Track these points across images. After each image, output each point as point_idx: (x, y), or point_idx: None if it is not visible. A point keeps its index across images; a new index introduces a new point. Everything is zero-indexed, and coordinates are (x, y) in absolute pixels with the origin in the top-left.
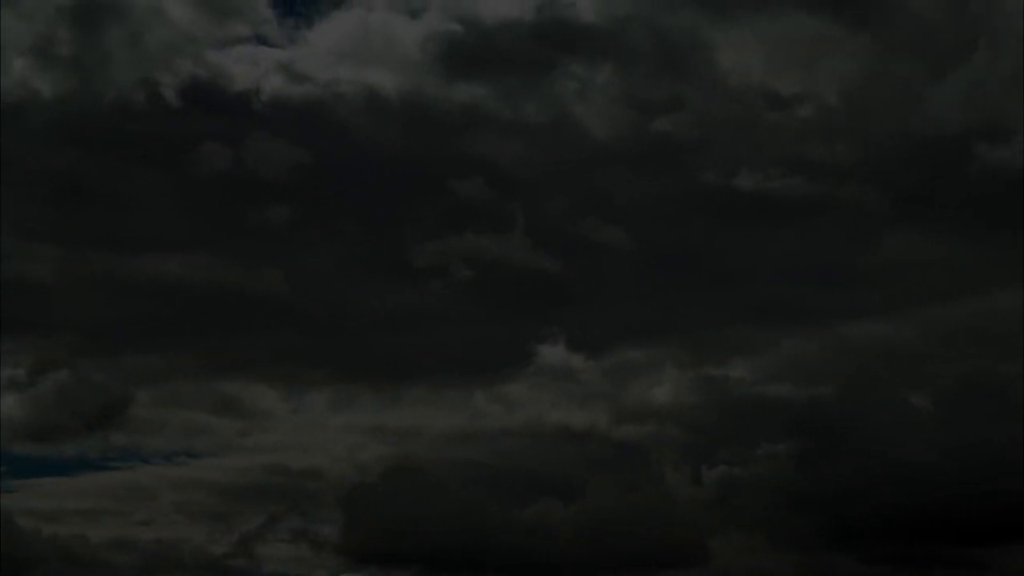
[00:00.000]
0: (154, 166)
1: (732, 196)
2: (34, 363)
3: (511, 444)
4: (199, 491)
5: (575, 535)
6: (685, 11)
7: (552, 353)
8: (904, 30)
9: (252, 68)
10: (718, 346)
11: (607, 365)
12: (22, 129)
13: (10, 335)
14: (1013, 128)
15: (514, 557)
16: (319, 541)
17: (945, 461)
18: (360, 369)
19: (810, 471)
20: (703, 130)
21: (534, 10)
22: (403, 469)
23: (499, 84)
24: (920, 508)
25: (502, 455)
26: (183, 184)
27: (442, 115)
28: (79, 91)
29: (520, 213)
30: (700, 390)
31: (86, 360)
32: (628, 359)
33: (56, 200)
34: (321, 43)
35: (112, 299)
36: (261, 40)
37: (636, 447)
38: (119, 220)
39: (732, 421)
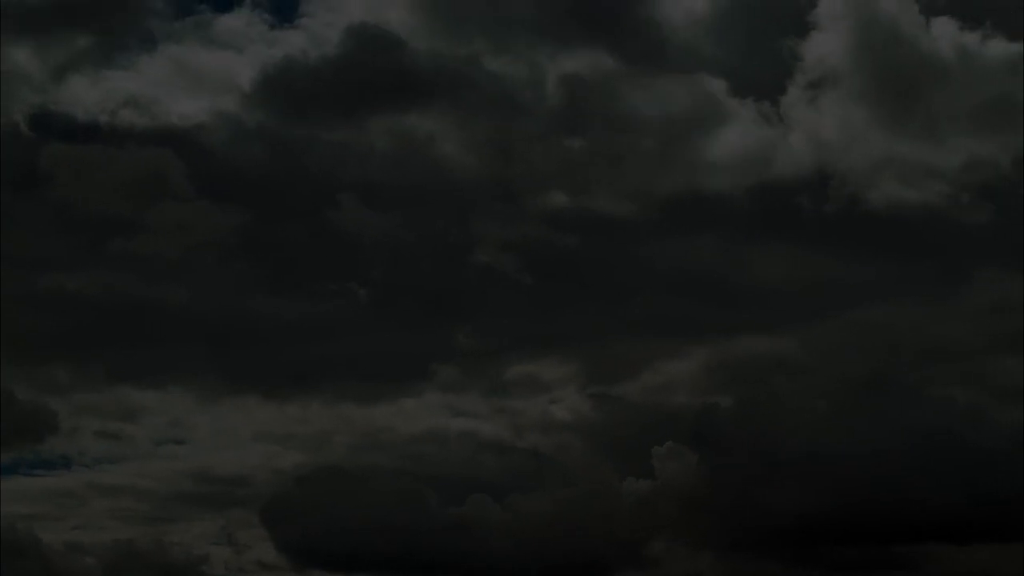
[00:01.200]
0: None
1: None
2: None
3: (423, 450)
4: (129, 498)
5: (508, 537)
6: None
7: (453, 365)
8: None
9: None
10: (613, 359)
11: (509, 377)
12: None
13: None
14: None
15: (449, 557)
16: (258, 545)
17: (849, 465)
18: (266, 378)
19: (718, 479)
20: None
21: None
22: (326, 474)
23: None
24: (838, 511)
25: (417, 460)
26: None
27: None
28: None
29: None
30: (598, 402)
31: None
32: (527, 372)
33: None
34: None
35: (24, 313)
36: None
37: (548, 456)
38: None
39: (633, 432)
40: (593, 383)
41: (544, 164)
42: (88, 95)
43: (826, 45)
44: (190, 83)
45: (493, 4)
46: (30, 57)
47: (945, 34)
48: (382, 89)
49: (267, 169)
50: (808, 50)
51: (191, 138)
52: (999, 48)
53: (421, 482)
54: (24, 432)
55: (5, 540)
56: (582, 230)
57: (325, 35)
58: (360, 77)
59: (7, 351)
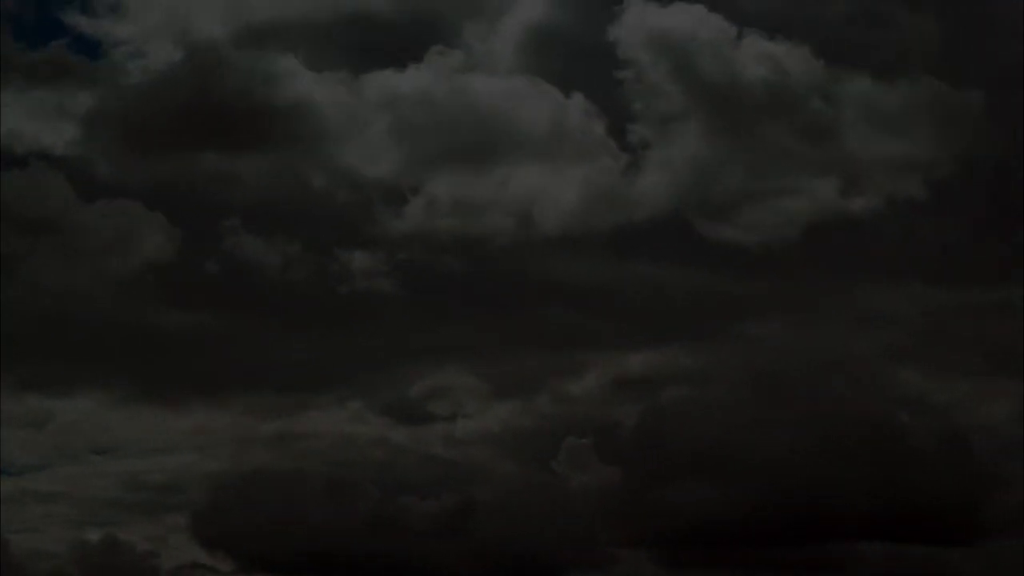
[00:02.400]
0: None
1: None
2: None
3: (344, 455)
4: (65, 504)
5: (442, 537)
6: None
7: (368, 372)
8: None
9: None
10: (517, 373)
11: (423, 387)
12: None
13: None
14: None
15: (385, 557)
16: (193, 550)
17: (767, 469)
18: (177, 387)
19: (633, 485)
20: None
21: None
22: (253, 479)
23: None
24: (765, 512)
25: (339, 465)
26: None
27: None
28: None
29: None
30: (511, 414)
31: None
32: (434, 383)
33: None
34: None
35: None
36: None
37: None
38: None
39: (544, 440)
40: (500, 394)
41: None
42: None
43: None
44: None
45: None
46: None
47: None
48: None
49: None
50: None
51: None
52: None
53: (348, 485)
54: None
55: None
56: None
57: None
58: None
59: None
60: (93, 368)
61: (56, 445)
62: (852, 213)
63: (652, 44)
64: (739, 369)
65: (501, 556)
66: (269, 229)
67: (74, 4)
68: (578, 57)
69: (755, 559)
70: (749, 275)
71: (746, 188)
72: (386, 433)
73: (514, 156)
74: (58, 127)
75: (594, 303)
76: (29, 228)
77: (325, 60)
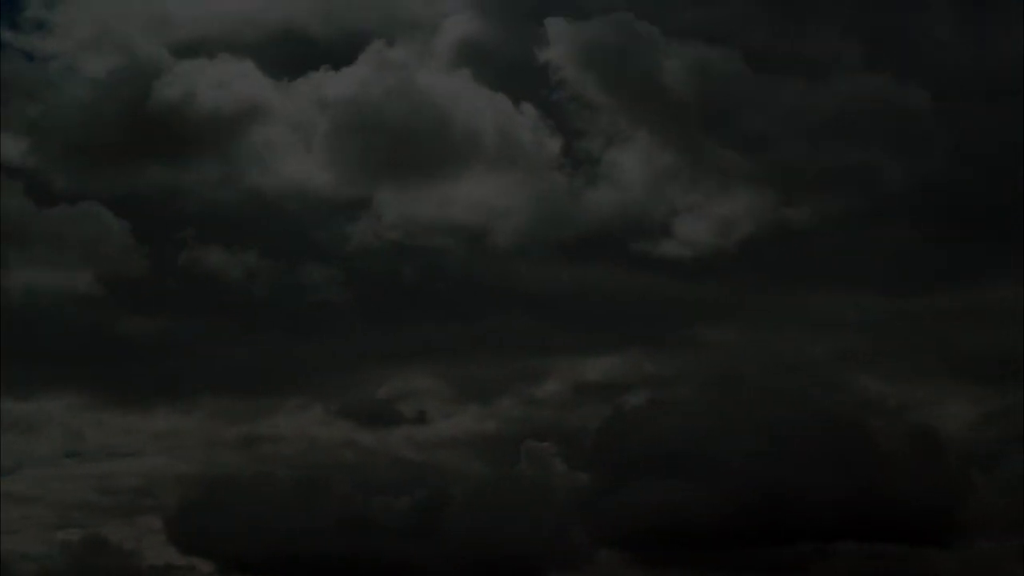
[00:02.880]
0: None
1: None
2: None
3: (313, 458)
4: (40, 506)
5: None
6: None
7: (331, 377)
8: None
9: None
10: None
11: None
12: None
13: None
14: None
15: (358, 556)
16: (168, 552)
17: (735, 469)
18: (142, 391)
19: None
20: None
21: None
22: (225, 482)
23: None
24: (736, 513)
25: (310, 467)
26: None
27: None
28: None
29: None
30: (475, 417)
31: None
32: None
33: None
34: None
35: None
36: None
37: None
38: None
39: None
40: (464, 398)
41: None
42: None
43: None
44: None
45: None
46: None
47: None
48: None
49: None
50: None
51: None
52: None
53: (318, 487)
54: None
55: None
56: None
57: None
58: None
59: None
60: (60, 374)
61: (27, 449)
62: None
63: (581, 58)
64: (700, 373)
65: (474, 556)
66: (227, 238)
67: (2, 20)
68: (510, 73)
69: (730, 560)
70: (697, 282)
71: (686, 200)
72: (352, 435)
73: (464, 167)
74: (7, 139)
75: (551, 310)
76: None
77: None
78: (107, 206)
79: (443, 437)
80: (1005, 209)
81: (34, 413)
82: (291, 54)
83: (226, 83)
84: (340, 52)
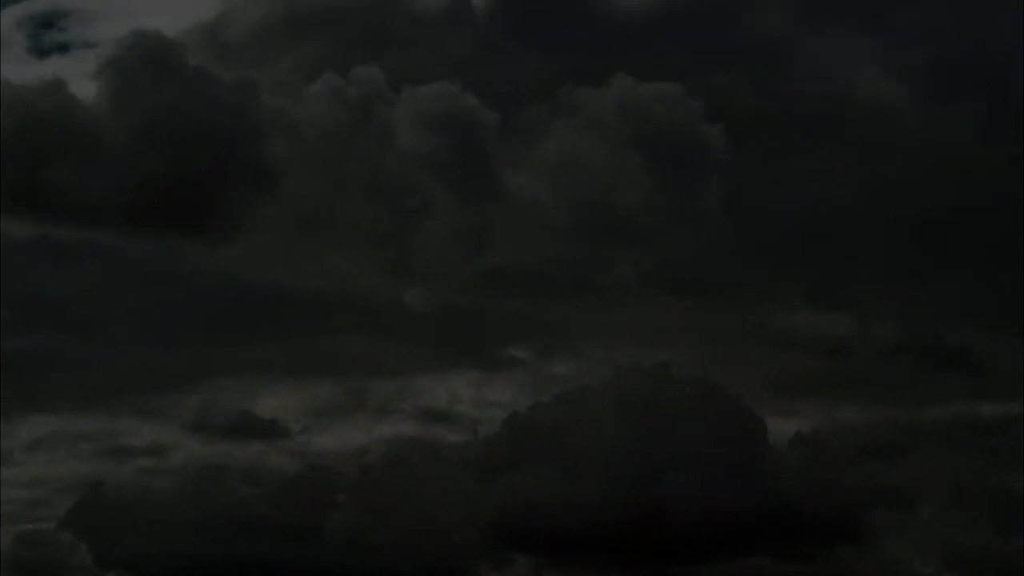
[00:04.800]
0: None
1: None
2: None
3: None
4: None
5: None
6: None
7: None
8: None
9: None
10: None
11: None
12: None
13: None
14: None
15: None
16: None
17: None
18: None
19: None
20: None
21: None
22: (120, 485)
23: None
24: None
25: (171, 473)
26: None
27: None
28: None
29: None
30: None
31: None
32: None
33: None
34: None
35: None
36: None
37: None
38: None
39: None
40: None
41: None
42: None
43: None
44: None
45: None
46: None
47: None
48: None
49: None
50: None
51: None
52: None
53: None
54: None
55: None
56: None
57: None
58: None
59: None
60: None
61: None
62: None
63: None
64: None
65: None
66: None
67: None
68: None
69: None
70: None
71: None
72: (220, 445)
73: None
74: None
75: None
76: None
77: None
78: None
79: (319, 449)
80: None
81: None
82: None
83: None
84: None
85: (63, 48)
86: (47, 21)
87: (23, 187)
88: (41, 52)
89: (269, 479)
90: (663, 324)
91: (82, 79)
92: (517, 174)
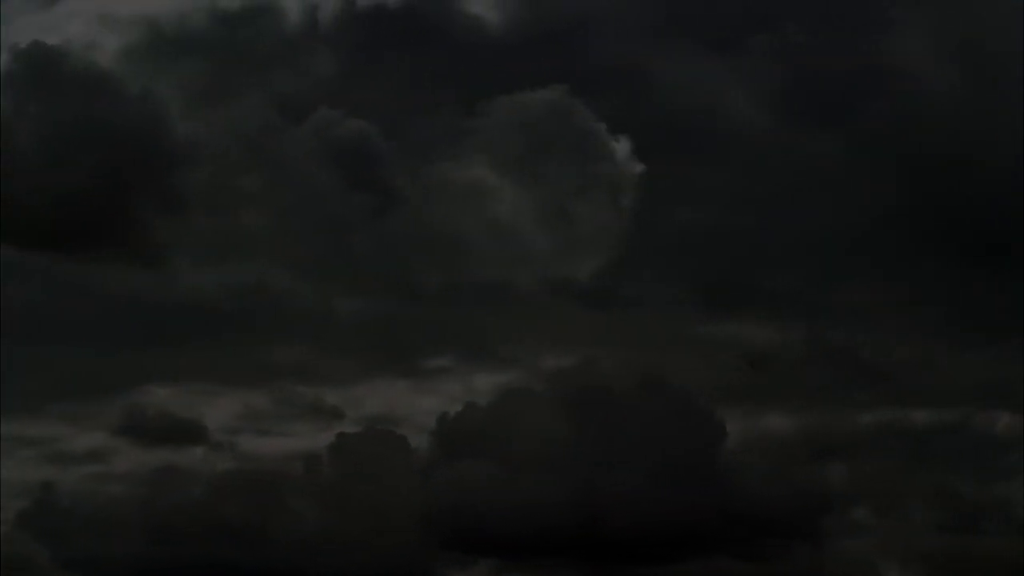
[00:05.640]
0: None
1: None
2: None
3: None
4: None
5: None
6: None
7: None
8: None
9: None
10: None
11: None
12: None
13: None
14: None
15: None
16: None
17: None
18: None
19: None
20: None
21: None
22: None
23: None
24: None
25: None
26: None
27: None
28: None
29: None
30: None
31: None
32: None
33: None
34: None
35: None
36: None
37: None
38: None
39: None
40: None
41: None
42: None
43: None
44: None
45: None
46: None
47: None
48: None
49: None
50: None
51: None
52: None
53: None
54: None
55: None
56: None
57: None
58: None
59: None
60: None
61: None
62: None
63: None
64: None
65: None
66: None
67: None
68: None
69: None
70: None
71: None
72: (159, 451)
73: None
74: None
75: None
76: None
77: None
78: None
79: (257, 453)
80: None
81: None
82: None
83: None
84: None
85: None
86: None
87: None
88: None
89: (211, 483)
90: (578, 334)
91: None
92: (416, 191)
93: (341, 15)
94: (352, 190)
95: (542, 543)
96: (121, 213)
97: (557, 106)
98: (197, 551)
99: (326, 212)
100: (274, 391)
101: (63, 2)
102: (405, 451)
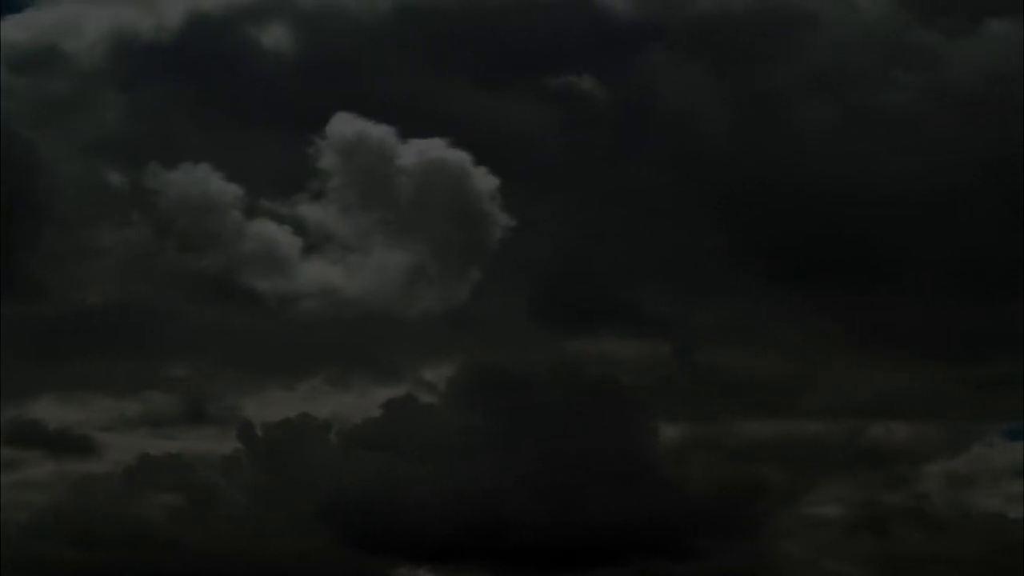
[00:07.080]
0: None
1: None
2: None
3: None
4: None
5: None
6: None
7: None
8: None
9: None
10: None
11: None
12: None
13: None
14: None
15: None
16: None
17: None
18: None
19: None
20: None
21: None
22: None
23: None
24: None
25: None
26: None
27: None
28: None
29: None
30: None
31: None
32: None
33: None
34: None
35: None
36: None
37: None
38: None
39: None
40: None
41: None
42: None
43: None
44: None
45: None
46: None
47: None
48: None
49: None
50: None
51: None
52: None
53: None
54: None
55: None
56: None
57: None
58: None
59: None
60: None
61: None
62: None
63: None
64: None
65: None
66: None
67: None
68: None
69: None
70: None
71: None
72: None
73: None
74: None
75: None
76: None
77: None
78: None
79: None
80: None
81: None
82: None
83: None
84: None
85: None
86: None
87: None
88: None
89: (113, 490)
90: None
91: None
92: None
93: None
94: None
95: (471, 546)
96: None
97: None
98: (110, 557)
99: None
100: (167, 398)
101: None
102: (311, 455)
